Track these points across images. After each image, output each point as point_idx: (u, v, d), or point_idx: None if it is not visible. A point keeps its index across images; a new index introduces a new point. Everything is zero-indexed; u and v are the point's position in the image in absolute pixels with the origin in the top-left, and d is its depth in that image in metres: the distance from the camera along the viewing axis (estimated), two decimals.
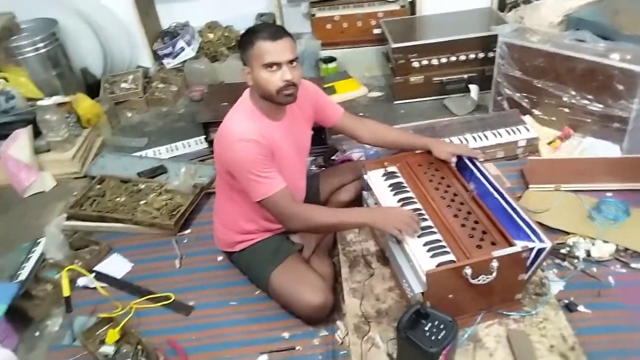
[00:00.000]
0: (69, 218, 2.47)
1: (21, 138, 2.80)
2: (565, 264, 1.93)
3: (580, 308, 1.77)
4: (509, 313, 1.65)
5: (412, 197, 1.85)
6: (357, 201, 2.10)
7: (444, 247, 1.64)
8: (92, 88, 3.58)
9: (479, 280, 1.53)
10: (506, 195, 1.74)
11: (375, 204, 1.91)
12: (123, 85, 3.62)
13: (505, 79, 2.83)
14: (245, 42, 1.69)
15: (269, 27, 1.71)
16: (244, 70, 1.74)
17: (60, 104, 2.97)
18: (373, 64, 3.62)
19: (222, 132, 1.79)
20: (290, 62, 1.68)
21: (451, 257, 1.60)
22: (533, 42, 2.66)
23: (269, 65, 1.66)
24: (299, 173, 1.98)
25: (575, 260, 1.92)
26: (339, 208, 2.02)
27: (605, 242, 1.97)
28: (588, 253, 1.95)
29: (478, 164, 1.91)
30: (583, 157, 2.47)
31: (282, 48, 1.66)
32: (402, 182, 1.93)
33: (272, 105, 1.78)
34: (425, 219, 1.75)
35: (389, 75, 3.39)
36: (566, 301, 1.78)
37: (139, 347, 1.84)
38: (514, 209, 1.68)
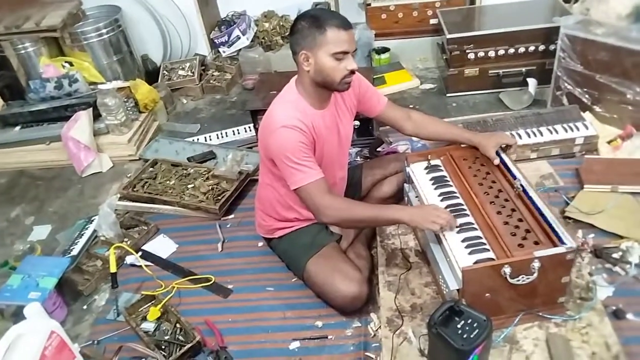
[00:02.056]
0: (121, 198, 2.58)
1: (82, 120, 2.94)
2: (617, 269, 1.83)
3: (629, 316, 1.66)
4: (550, 316, 1.59)
5: (454, 192, 1.80)
6: (399, 193, 2.07)
7: (484, 244, 1.59)
8: (152, 74, 3.71)
9: (518, 280, 1.48)
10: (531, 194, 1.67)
11: (416, 197, 1.88)
12: (180, 72, 3.73)
13: (566, 73, 2.69)
14: (310, 26, 1.65)
15: (338, 16, 1.70)
16: (301, 55, 1.69)
17: (119, 89, 3.10)
18: (427, 55, 3.55)
19: (267, 118, 1.80)
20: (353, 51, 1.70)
21: (490, 254, 1.55)
22: (597, 35, 2.52)
23: (339, 53, 1.65)
24: (339, 163, 1.97)
25: (628, 266, 1.81)
26: (376, 204, 1.99)
27: None
28: None
29: (506, 159, 1.84)
30: None
31: (352, 38, 1.67)
32: (444, 176, 1.88)
33: (319, 94, 1.78)
34: (466, 215, 1.70)
35: (442, 67, 3.31)
36: (614, 308, 1.68)
37: (178, 325, 1.90)
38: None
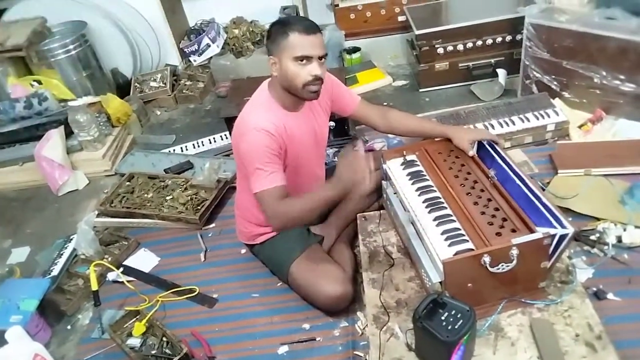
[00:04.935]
0: (99, 215, 2.55)
1: (54, 138, 2.89)
2: (595, 250, 1.86)
3: (610, 296, 1.70)
4: (532, 302, 1.60)
5: (431, 186, 1.82)
6: (377, 191, 2.07)
7: (463, 235, 1.60)
8: (123, 88, 3.67)
9: (498, 269, 1.49)
10: (527, 181, 1.68)
11: (394, 193, 1.89)
12: (152, 84, 3.69)
13: (534, 61, 2.74)
14: (277, 32, 1.67)
15: (303, 21, 1.71)
16: (270, 60, 1.72)
17: (90, 104, 3.06)
18: (398, 52, 3.58)
19: (239, 122, 1.81)
20: (320, 58, 1.68)
21: (470, 245, 1.56)
22: (561, 22, 2.57)
23: (301, 58, 1.65)
24: (317, 163, 1.98)
25: (605, 247, 1.85)
26: (355, 199, 2.01)
27: (637, 227, 1.89)
28: (619, 239, 1.87)
29: (499, 149, 1.86)
30: (615, 139, 2.37)
31: (315, 43, 1.67)
32: (421, 171, 1.89)
33: (291, 97, 1.78)
34: (444, 207, 1.71)
35: (413, 64, 3.34)
36: (595, 289, 1.72)
37: (164, 339, 1.88)
38: (535, 194, 1.62)
